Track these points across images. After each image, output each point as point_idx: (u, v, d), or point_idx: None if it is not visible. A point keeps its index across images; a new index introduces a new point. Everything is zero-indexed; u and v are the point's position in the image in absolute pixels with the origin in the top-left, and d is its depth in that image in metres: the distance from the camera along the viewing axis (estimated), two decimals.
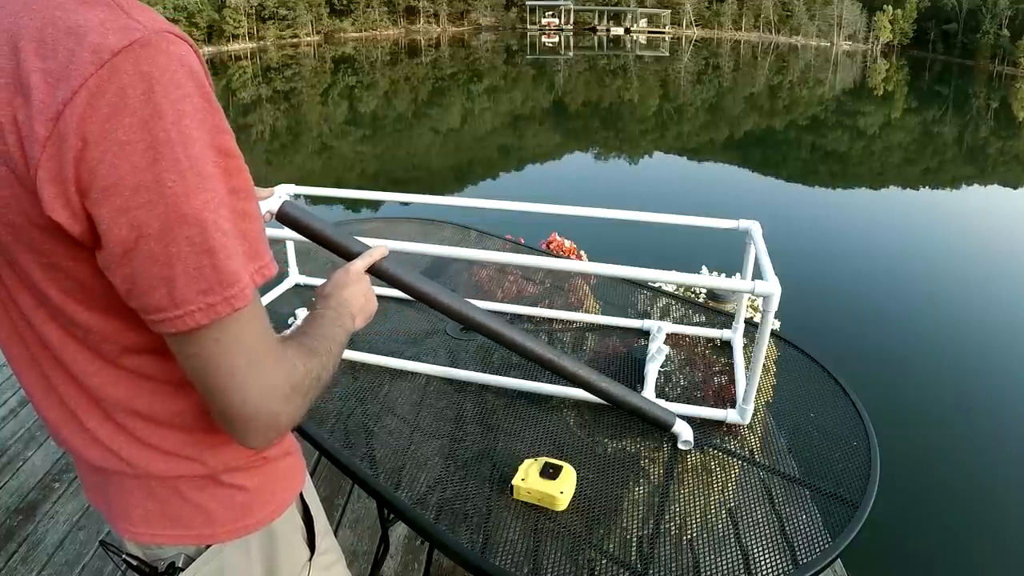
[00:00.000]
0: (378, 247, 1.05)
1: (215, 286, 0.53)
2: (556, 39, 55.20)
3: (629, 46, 51.71)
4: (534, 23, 60.35)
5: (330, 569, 0.87)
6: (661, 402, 1.35)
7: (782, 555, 1.08)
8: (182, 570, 0.70)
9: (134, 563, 0.71)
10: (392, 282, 1.09)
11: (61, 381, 0.64)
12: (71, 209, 0.51)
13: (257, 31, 44.95)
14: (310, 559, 0.82)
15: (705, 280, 1.43)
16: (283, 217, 1.05)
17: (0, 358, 3.04)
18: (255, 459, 0.72)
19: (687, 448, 1.31)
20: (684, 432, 1.30)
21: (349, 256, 1.04)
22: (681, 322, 1.81)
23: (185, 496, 0.68)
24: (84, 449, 0.67)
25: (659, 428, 1.32)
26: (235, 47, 42.76)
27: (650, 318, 1.81)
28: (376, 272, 1.04)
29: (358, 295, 0.90)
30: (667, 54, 46.37)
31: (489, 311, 1.23)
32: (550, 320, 1.83)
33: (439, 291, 1.16)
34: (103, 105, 0.49)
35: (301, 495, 0.81)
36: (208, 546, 0.71)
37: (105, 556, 2.02)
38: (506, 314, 1.84)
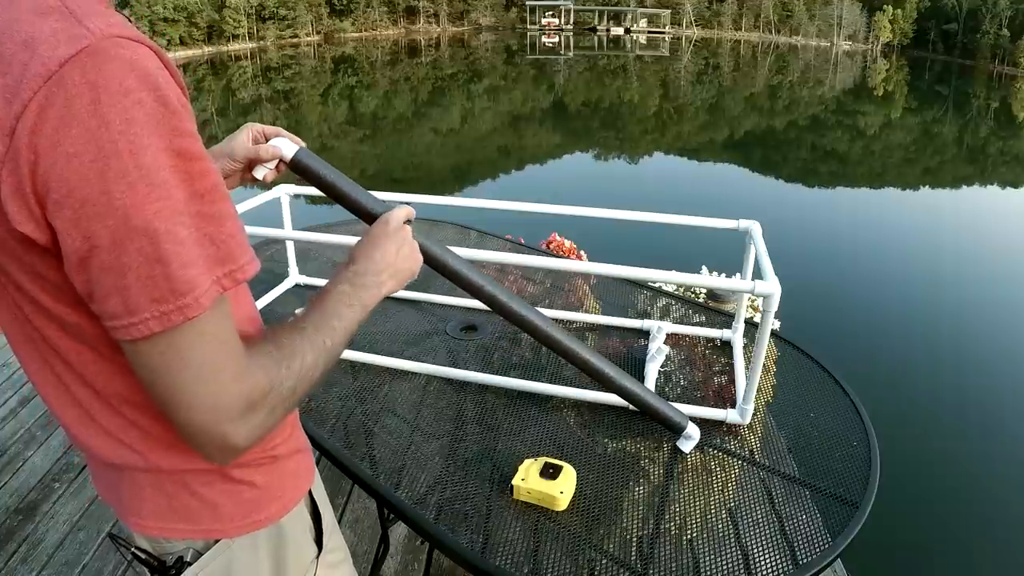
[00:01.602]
0: (404, 205, 0.91)
1: (167, 295, 0.53)
2: (556, 39, 55.23)
3: (629, 46, 51.73)
4: (534, 23, 60.40)
5: (337, 567, 0.87)
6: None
7: (782, 555, 1.08)
8: (190, 564, 0.70)
9: (142, 556, 0.72)
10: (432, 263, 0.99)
11: (71, 380, 0.64)
12: (35, 221, 0.52)
13: (257, 31, 44.97)
14: (317, 556, 0.82)
15: (705, 280, 1.43)
16: (297, 166, 0.95)
17: (0, 358, 3.04)
18: (264, 456, 0.72)
19: (688, 450, 1.31)
20: (693, 435, 1.30)
21: (368, 216, 0.93)
22: (681, 322, 1.81)
23: (193, 490, 0.69)
24: (99, 446, 0.67)
25: (672, 431, 1.32)
26: (235, 47, 42.78)
27: (650, 318, 1.80)
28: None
29: (390, 254, 0.80)
30: (667, 54, 46.37)
31: (524, 301, 1.15)
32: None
33: (472, 271, 1.05)
34: (51, 117, 0.49)
35: (310, 492, 0.81)
36: (216, 541, 0.71)
37: (105, 556, 2.03)
38: None
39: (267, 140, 0.92)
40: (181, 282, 0.53)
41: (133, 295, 0.52)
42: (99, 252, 0.51)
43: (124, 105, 0.50)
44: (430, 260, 1.01)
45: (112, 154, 0.50)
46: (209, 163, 0.56)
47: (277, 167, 0.93)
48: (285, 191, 1.88)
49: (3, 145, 0.50)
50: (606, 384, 1.24)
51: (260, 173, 0.93)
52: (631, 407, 1.41)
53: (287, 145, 0.93)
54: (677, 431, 1.31)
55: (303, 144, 0.95)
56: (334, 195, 0.95)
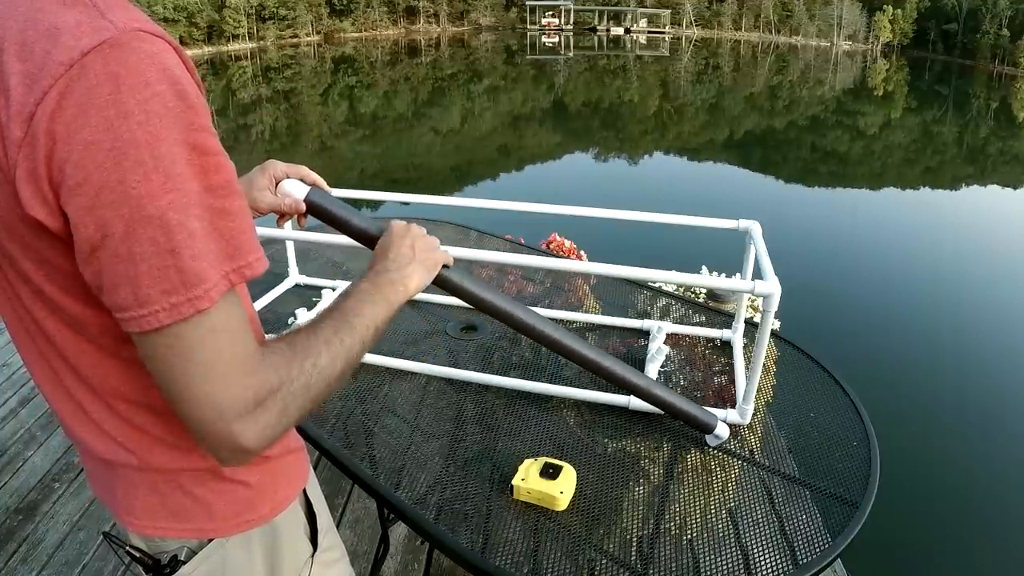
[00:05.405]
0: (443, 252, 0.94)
1: (178, 287, 0.53)
2: (556, 39, 55.24)
3: (629, 46, 51.73)
4: (534, 23, 60.39)
5: (333, 566, 0.88)
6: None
7: (782, 555, 1.08)
8: (184, 563, 0.71)
9: (137, 555, 0.72)
10: (449, 288, 0.98)
11: (66, 374, 0.65)
12: (48, 207, 0.52)
13: (257, 31, 44.94)
14: (312, 555, 0.82)
15: (705, 280, 1.43)
16: (313, 209, 0.91)
17: (0, 358, 3.04)
18: (258, 455, 0.72)
19: (717, 444, 1.30)
20: (723, 433, 1.30)
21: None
22: (681, 322, 1.81)
23: (187, 489, 0.69)
24: (92, 442, 0.68)
25: (701, 431, 1.32)
26: (235, 47, 42.76)
27: (650, 318, 1.80)
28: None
29: (406, 247, 0.84)
30: (667, 54, 46.36)
31: (550, 319, 1.15)
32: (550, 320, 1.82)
33: (507, 302, 1.04)
34: (70, 105, 0.50)
35: (304, 491, 0.81)
36: (210, 540, 0.71)
37: (105, 556, 2.03)
38: None
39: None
40: (191, 274, 0.53)
41: (144, 286, 0.52)
42: (111, 241, 0.51)
43: (144, 97, 0.51)
44: (455, 291, 0.98)
45: (130, 143, 0.50)
46: (225, 159, 0.57)
47: (299, 217, 0.94)
48: None
49: (21, 130, 0.50)
50: (645, 396, 1.23)
51: (286, 226, 0.89)
52: (629, 407, 1.41)
53: (297, 188, 0.89)
54: (707, 430, 1.30)
55: (321, 180, 0.95)
56: (348, 232, 0.92)
